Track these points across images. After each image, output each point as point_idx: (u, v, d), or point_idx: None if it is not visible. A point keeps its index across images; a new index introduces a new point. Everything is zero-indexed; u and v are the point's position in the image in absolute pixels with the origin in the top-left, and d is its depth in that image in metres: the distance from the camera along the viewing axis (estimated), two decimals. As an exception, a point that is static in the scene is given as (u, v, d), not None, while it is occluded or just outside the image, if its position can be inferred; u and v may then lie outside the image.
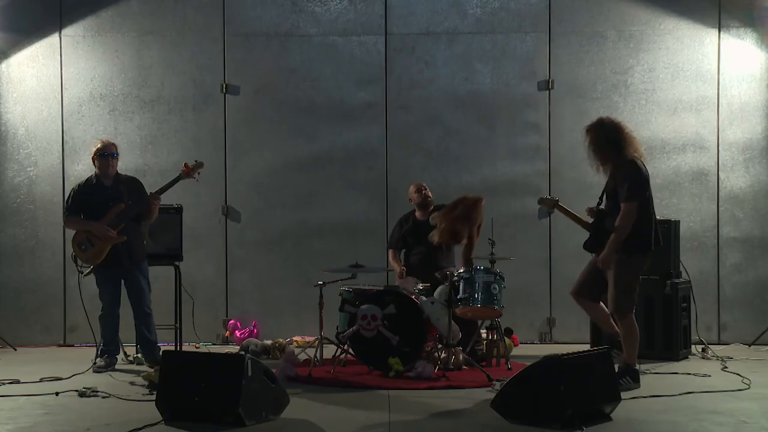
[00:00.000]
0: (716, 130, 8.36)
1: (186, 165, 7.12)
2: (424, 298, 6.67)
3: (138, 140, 8.42)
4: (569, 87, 8.41)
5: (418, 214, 7.63)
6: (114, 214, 6.91)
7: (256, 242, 8.52)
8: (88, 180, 7.14)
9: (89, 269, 7.00)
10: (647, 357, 7.21)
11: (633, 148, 6.08)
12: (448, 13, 8.49)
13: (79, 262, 7.01)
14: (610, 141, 6.07)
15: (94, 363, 6.88)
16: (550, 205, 6.96)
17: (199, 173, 7.18)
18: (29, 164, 8.46)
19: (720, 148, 8.36)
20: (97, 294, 8.27)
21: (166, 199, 7.13)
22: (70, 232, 8.35)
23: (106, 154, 7.01)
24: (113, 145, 7.13)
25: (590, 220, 6.33)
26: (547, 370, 4.89)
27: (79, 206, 7.02)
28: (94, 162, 7.07)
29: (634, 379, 6.04)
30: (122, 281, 7.05)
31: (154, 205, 7.00)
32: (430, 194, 7.60)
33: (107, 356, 6.94)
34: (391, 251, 7.71)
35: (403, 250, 7.66)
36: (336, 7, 8.51)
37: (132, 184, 7.14)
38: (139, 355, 7.16)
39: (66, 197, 7.17)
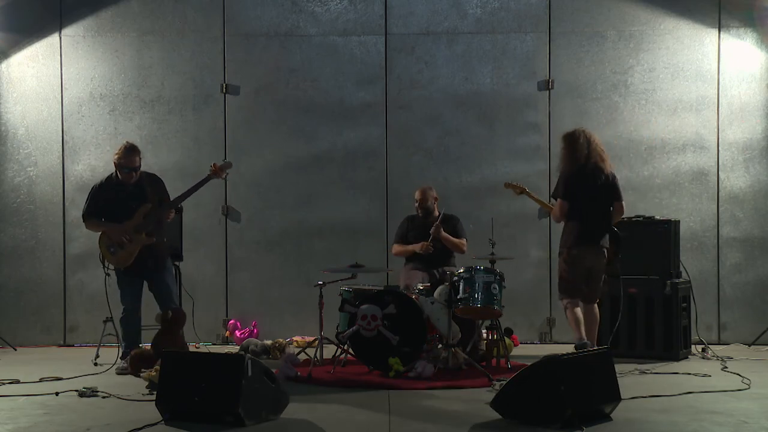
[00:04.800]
0: (716, 130, 8.36)
1: (214, 165, 6.99)
2: (424, 298, 6.67)
3: (138, 140, 8.34)
4: (569, 87, 8.41)
5: (420, 213, 7.69)
6: (141, 216, 6.78)
7: (256, 242, 8.52)
8: (109, 179, 6.94)
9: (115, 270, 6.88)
10: (647, 357, 7.23)
11: (576, 162, 6.88)
12: (448, 13, 8.50)
13: (107, 264, 6.87)
14: (562, 154, 7.00)
15: (115, 364, 6.80)
16: (517, 192, 7.45)
17: (227, 173, 7.13)
18: (29, 164, 8.46)
19: (720, 148, 8.37)
20: (97, 293, 8.29)
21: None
22: (71, 233, 8.43)
23: (126, 170, 6.80)
24: (134, 156, 6.81)
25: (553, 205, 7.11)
26: (547, 370, 4.88)
27: (99, 207, 6.86)
28: (115, 166, 6.88)
29: None
30: (145, 282, 6.95)
31: (168, 216, 6.97)
32: (431, 202, 7.63)
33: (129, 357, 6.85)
34: (396, 245, 7.71)
35: None
36: (336, 7, 8.51)
37: (155, 183, 6.98)
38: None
39: (86, 197, 6.97)
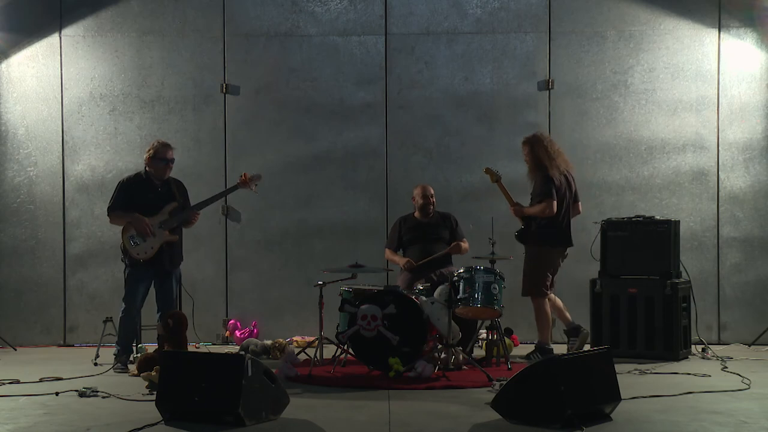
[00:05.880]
0: (716, 130, 8.36)
1: (245, 175, 7.09)
2: (424, 298, 6.67)
3: (138, 140, 8.41)
4: (569, 87, 8.41)
5: (417, 214, 7.69)
6: (168, 213, 6.87)
7: (256, 242, 8.52)
8: (138, 175, 7.04)
9: (135, 262, 6.87)
10: (647, 357, 7.23)
11: (555, 165, 7.19)
12: (448, 13, 8.50)
13: (127, 255, 6.90)
14: (539, 158, 7.20)
15: (114, 364, 6.81)
16: (492, 179, 7.51)
17: (256, 185, 7.15)
18: (29, 164, 8.46)
19: (720, 148, 8.37)
20: (97, 293, 8.30)
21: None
22: (71, 233, 8.43)
23: (165, 161, 6.93)
24: (169, 150, 6.98)
25: (518, 202, 7.36)
26: (546, 371, 4.89)
27: (126, 200, 6.91)
28: (148, 162, 6.95)
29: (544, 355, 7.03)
30: (153, 282, 6.98)
31: (194, 219, 7.02)
32: (433, 201, 7.67)
33: (124, 356, 6.86)
34: (387, 250, 7.76)
35: (400, 250, 7.70)
36: (336, 7, 8.51)
37: (181, 187, 7.10)
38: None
39: (114, 191, 7.03)
